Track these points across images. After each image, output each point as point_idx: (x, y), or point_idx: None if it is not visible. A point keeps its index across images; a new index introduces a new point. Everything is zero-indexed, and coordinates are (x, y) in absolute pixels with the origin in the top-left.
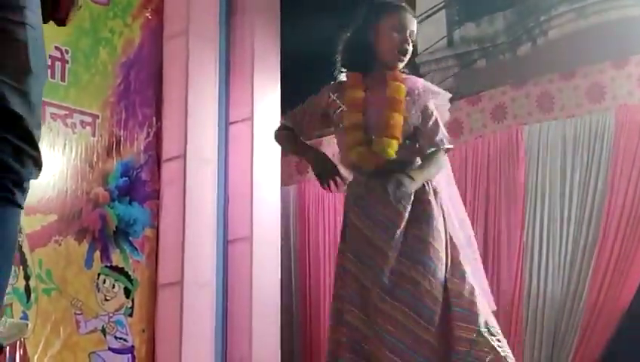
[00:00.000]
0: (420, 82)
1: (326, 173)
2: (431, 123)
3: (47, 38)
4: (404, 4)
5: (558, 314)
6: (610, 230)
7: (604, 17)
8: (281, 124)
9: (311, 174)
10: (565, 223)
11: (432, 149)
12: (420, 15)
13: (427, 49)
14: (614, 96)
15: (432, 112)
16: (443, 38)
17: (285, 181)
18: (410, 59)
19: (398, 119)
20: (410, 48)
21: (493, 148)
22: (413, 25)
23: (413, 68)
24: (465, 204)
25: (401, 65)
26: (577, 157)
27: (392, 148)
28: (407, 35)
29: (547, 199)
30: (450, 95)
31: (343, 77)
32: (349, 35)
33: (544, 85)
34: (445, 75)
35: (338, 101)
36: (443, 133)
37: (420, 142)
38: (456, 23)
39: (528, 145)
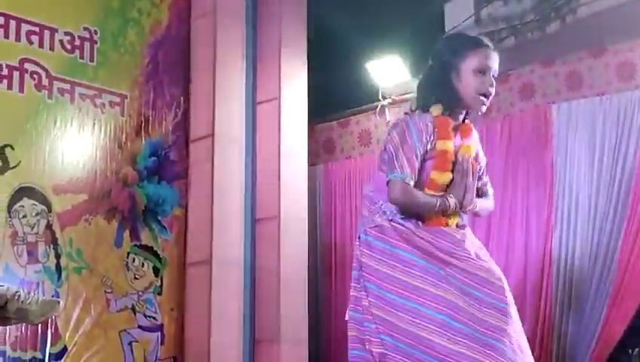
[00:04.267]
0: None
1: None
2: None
3: (76, 19)
4: (487, 41)
5: (586, 287)
6: (638, 208)
7: None
8: (404, 181)
9: (337, 154)
10: (593, 200)
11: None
12: None
13: (455, 27)
14: None
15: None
16: (471, 16)
17: (312, 160)
18: (437, 37)
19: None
20: (493, 90)
21: (522, 127)
22: (496, 63)
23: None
24: (493, 182)
25: (483, 109)
26: (606, 135)
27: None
28: (491, 75)
29: (575, 177)
30: None
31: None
32: (430, 70)
33: (573, 63)
34: None
35: (429, 137)
36: None
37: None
38: (484, 1)
39: (557, 124)
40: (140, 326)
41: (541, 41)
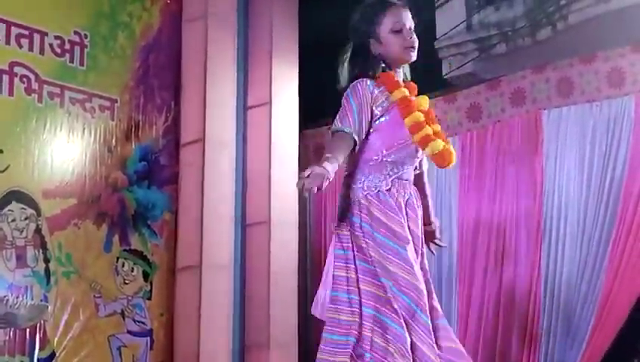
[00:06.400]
0: None
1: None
2: None
3: (66, 23)
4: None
5: (574, 297)
6: (627, 216)
7: (625, 1)
8: (340, 130)
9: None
10: (583, 207)
11: (426, 166)
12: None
13: (446, 34)
14: (634, 81)
15: None
16: (462, 22)
17: (303, 166)
18: (428, 43)
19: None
20: (414, 39)
21: (512, 133)
22: (409, 19)
23: (432, 53)
24: (483, 188)
25: (414, 56)
26: (596, 142)
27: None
28: (407, 29)
29: (565, 183)
30: None
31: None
32: (352, 48)
33: (564, 70)
34: (464, 60)
35: (381, 97)
36: None
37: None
38: (475, 7)
39: (547, 130)
40: (129, 331)
41: (532, 48)
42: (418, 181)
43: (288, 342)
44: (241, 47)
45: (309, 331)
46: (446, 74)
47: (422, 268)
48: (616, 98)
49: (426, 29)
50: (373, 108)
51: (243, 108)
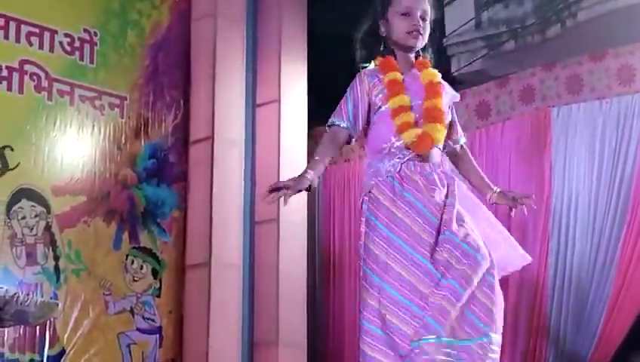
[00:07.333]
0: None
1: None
2: (456, 114)
3: (76, 21)
4: None
5: (585, 292)
6: (638, 212)
7: None
8: (334, 123)
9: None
10: (593, 205)
11: (464, 140)
12: None
13: (455, 31)
14: None
15: (453, 105)
16: (471, 19)
17: None
18: (438, 41)
19: (441, 105)
20: (422, 25)
21: (522, 131)
22: (422, 3)
23: (441, 50)
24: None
25: (417, 43)
26: (606, 139)
27: (442, 135)
28: (417, 15)
29: (574, 181)
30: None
31: (371, 65)
32: (365, 32)
33: (573, 67)
34: (473, 57)
35: (379, 85)
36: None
37: (451, 130)
38: (484, 5)
39: (556, 128)
40: (138, 329)
41: (541, 45)
42: (462, 155)
43: (297, 340)
44: (250, 45)
45: (318, 328)
46: (455, 71)
47: (452, 232)
48: (626, 95)
49: (435, 26)
50: (372, 98)
51: (252, 106)
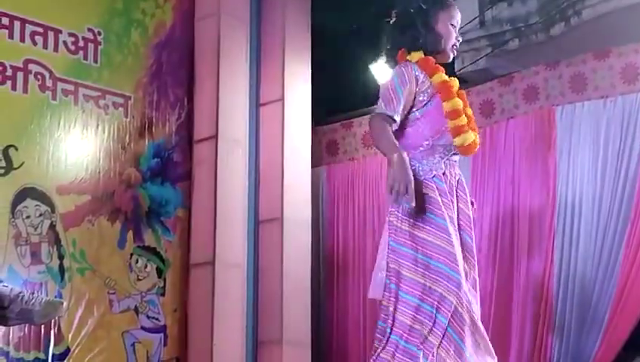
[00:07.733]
0: None
1: (401, 189)
2: None
3: (80, 20)
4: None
5: (589, 290)
6: None
7: None
8: (384, 114)
9: (341, 156)
10: (597, 204)
11: None
12: None
13: (459, 29)
14: None
15: None
16: (475, 18)
17: (315, 162)
18: None
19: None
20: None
21: (525, 129)
22: (458, 25)
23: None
24: (496, 185)
25: (452, 56)
26: (610, 138)
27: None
28: (458, 32)
29: (579, 180)
30: None
31: (411, 56)
32: (408, 15)
33: (577, 66)
34: (477, 56)
35: (425, 82)
36: None
37: None
38: (488, 3)
39: (561, 127)
40: (142, 327)
41: (545, 43)
42: None
43: (301, 339)
44: (254, 44)
45: (322, 327)
46: (459, 70)
47: (469, 250)
48: (631, 94)
49: None
50: (417, 94)
51: (256, 105)
